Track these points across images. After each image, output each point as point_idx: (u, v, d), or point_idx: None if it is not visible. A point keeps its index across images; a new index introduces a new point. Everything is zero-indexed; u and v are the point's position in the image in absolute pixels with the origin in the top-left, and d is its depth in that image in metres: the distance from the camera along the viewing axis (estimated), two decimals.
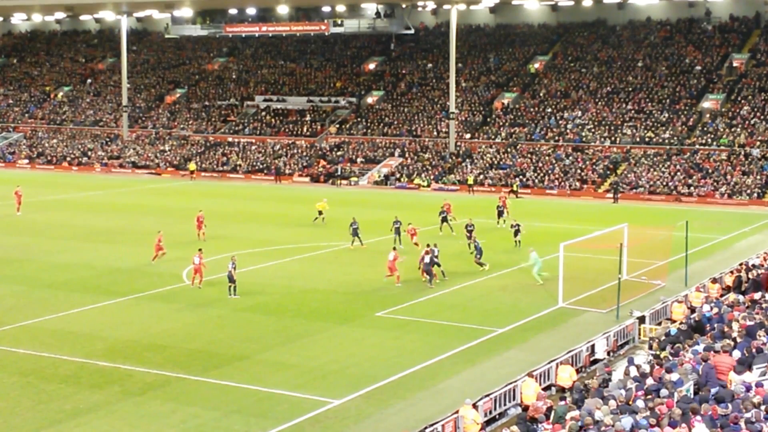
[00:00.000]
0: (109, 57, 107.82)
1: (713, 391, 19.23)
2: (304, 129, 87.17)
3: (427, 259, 36.65)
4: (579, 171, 71.45)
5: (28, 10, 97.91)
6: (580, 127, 76.67)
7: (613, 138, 74.49)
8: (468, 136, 79.70)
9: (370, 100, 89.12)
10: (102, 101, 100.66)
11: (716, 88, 76.58)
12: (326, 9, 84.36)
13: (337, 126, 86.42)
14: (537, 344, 28.98)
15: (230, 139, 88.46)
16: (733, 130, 71.39)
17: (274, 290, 36.44)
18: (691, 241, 38.53)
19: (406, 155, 79.06)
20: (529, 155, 75.05)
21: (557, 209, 61.45)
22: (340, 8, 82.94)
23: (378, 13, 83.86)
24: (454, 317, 32.27)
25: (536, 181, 71.68)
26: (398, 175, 76.21)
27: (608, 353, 27.06)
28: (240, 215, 57.49)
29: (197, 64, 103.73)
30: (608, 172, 70.92)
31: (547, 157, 74.13)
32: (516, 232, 45.07)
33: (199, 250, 37.36)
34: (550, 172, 72.16)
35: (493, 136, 78.76)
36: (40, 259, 42.87)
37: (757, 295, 28.53)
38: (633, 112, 76.67)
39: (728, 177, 66.73)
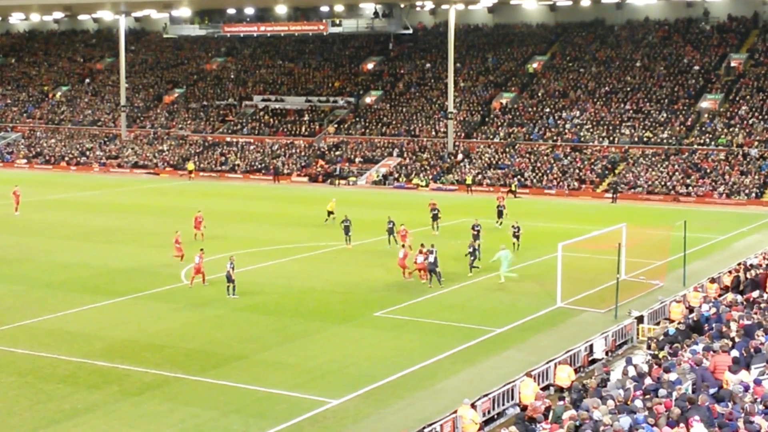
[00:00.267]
0: (107, 57, 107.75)
1: (712, 390, 19.24)
2: (303, 129, 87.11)
3: (431, 258, 36.53)
4: (577, 171, 71.44)
5: (26, 10, 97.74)
6: (578, 127, 76.66)
7: (611, 138, 74.48)
8: (463, 135, 79.80)
9: (368, 99, 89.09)
10: (100, 101, 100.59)
11: (714, 88, 76.59)
12: (324, 9, 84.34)
13: (336, 126, 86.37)
14: (535, 344, 28.97)
15: (228, 139, 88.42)
16: (731, 130, 71.39)
17: (273, 290, 36.43)
18: (689, 241, 38.56)
19: (405, 155, 79.03)
20: (527, 155, 75.03)
21: (556, 209, 61.44)
22: (339, 8, 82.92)
23: (376, 13, 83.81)
24: (452, 317, 32.25)
25: (534, 180, 71.66)
26: (396, 175, 76.18)
27: (606, 353, 27.06)
28: (238, 215, 57.43)
29: (195, 63, 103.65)
30: (606, 172, 70.92)
31: (545, 157, 74.12)
32: (516, 236, 43.82)
33: (201, 250, 37.38)
34: (548, 171, 72.15)
35: (491, 136, 78.79)
36: (38, 258, 42.84)
37: (755, 295, 28.60)
38: (631, 112, 76.65)
39: (726, 177, 66.73)
